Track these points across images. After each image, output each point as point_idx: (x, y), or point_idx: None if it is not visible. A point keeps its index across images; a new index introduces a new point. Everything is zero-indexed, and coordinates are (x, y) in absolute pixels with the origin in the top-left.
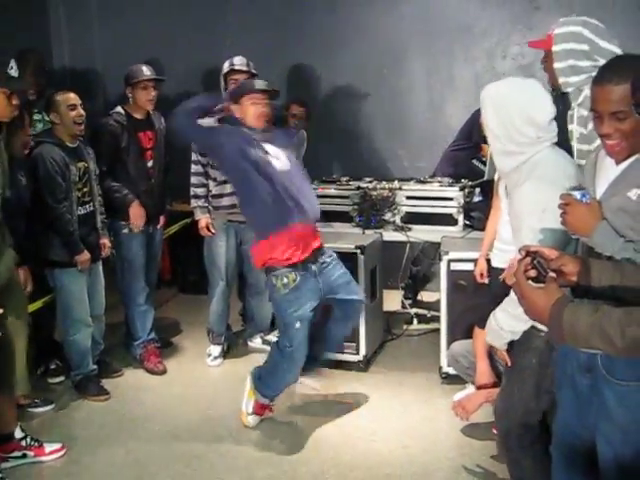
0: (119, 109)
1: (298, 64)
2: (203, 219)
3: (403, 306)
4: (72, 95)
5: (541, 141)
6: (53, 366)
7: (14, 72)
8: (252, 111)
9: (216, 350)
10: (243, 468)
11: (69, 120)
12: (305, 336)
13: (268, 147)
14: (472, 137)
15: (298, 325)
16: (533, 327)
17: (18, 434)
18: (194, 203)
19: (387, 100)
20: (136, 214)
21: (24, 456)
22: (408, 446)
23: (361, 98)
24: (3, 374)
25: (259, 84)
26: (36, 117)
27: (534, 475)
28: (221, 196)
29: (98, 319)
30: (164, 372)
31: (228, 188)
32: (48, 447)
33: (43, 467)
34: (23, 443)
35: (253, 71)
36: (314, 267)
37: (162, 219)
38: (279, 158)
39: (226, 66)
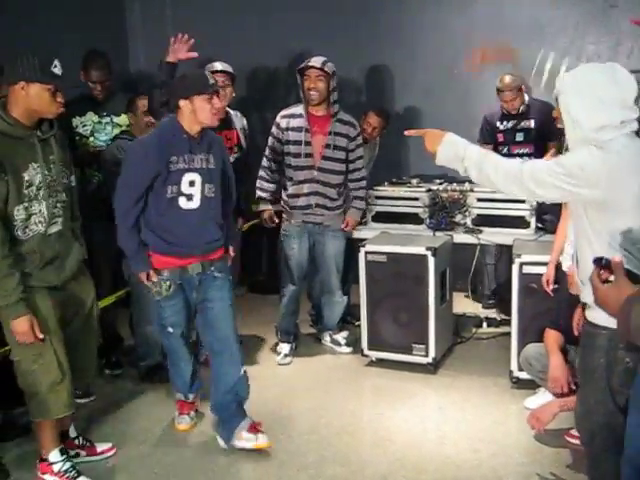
0: None
1: (371, 65)
2: (267, 210)
3: (484, 306)
4: (143, 101)
5: (624, 125)
6: (114, 359)
7: (58, 70)
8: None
9: (286, 348)
10: (312, 465)
11: (143, 123)
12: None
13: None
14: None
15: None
16: (595, 325)
17: (72, 433)
18: (259, 193)
19: (458, 101)
20: None
21: (77, 455)
22: (478, 450)
23: (431, 98)
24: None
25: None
26: (104, 120)
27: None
28: (297, 196)
29: None
30: None
31: (305, 188)
32: (99, 447)
33: (96, 465)
34: (76, 442)
35: (326, 69)
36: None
37: (240, 220)
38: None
39: (305, 61)
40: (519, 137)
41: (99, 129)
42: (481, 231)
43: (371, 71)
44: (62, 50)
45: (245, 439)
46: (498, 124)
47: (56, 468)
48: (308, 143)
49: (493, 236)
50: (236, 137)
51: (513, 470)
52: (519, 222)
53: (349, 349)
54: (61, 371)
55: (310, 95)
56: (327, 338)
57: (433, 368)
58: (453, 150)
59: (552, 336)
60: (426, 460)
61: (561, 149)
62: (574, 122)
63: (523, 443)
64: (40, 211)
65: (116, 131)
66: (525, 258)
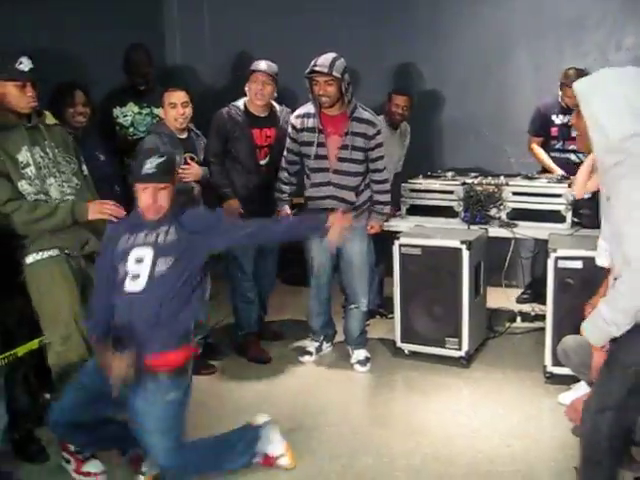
0: (239, 102)
1: (404, 60)
2: (282, 211)
3: (518, 301)
4: (175, 94)
5: None
6: None
7: (24, 67)
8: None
9: (310, 345)
10: (344, 455)
11: (170, 117)
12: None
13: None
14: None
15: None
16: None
17: None
18: (276, 194)
19: (494, 95)
20: (228, 210)
21: (68, 462)
22: (511, 445)
23: (467, 93)
24: None
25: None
26: (144, 111)
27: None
28: (315, 199)
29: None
30: (269, 360)
31: (320, 191)
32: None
33: None
34: (72, 447)
35: (335, 74)
36: None
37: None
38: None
39: (310, 66)
40: (575, 132)
41: (139, 120)
42: (516, 225)
43: (401, 66)
44: (103, 44)
45: None
46: (554, 117)
47: (72, 447)
48: (322, 144)
49: (528, 230)
50: (274, 137)
51: (547, 465)
52: (555, 216)
53: (364, 369)
54: (89, 351)
55: (321, 100)
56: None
57: (466, 362)
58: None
59: None
60: (458, 454)
61: None
62: (600, 129)
63: (557, 438)
64: (48, 189)
65: (155, 122)
66: (561, 253)
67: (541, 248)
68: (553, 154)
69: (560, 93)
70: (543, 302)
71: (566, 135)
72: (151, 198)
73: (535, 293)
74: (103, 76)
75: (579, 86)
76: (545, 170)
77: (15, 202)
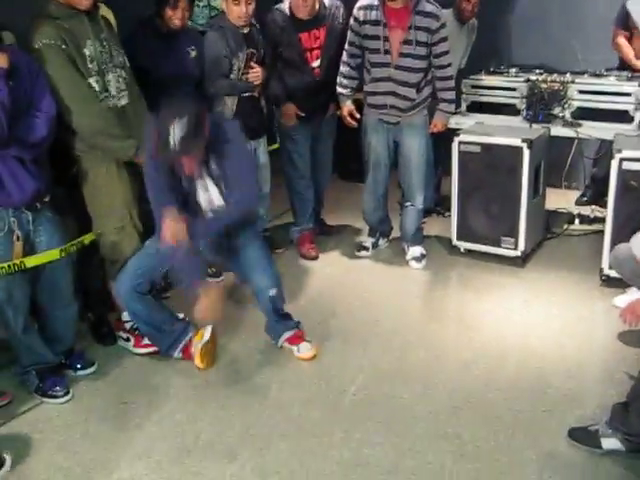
0: (285, 5)
1: None
2: (345, 107)
3: (578, 203)
4: None
5: None
6: None
7: None
8: None
9: (367, 241)
10: (397, 349)
11: (233, 13)
12: None
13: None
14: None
15: None
16: None
17: (125, 317)
18: (338, 89)
19: None
20: (286, 114)
21: (128, 340)
22: (562, 344)
23: None
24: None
25: None
26: (202, 2)
27: None
28: (374, 94)
29: (263, 196)
30: (315, 258)
31: (380, 87)
32: (145, 340)
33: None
34: (126, 326)
35: None
36: None
37: (332, 107)
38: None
39: None
40: None
41: (197, 12)
42: (580, 125)
43: None
44: None
45: (287, 349)
46: None
47: (127, 325)
48: (385, 38)
49: (593, 130)
50: (324, 36)
51: (597, 367)
52: (622, 116)
53: (419, 265)
54: (141, 240)
55: None
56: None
57: (521, 261)
58: None
59: None
60: (509, 350)
61: None
62: None
63: (608, 341)
64: (109, 83)
65: (213, 14)
66: (626, 154)
67: (606, 149)
68: None
69: None
70: (602, 205)
71: None
72: (186, 165)
73: (595, 195)
74: None
75: None
76: (620, 67)
77: (96, 105)
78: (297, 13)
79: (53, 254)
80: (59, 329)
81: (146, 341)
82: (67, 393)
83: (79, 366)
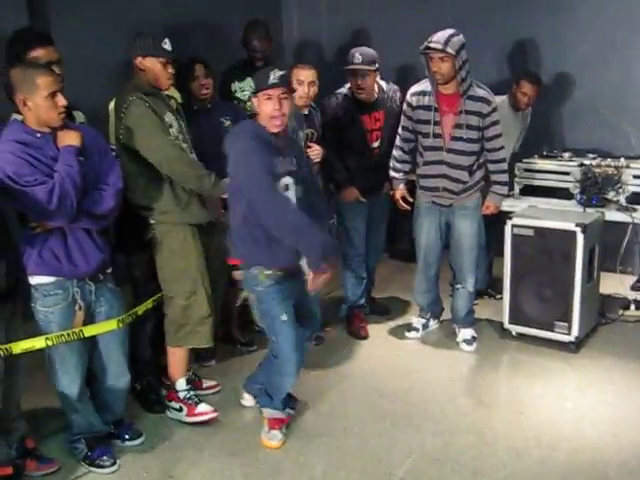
0: (345, 90)
1: (526, 38)
2: (398, 191)
3: (633, 288)
4: (304, 72)
5: None
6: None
7: (168, 46)
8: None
9: (417, 322)
10: (446, 432)
11: (296, 93)
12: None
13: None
14: None
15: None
16: None
17: (181, 386)
18: (391, 173)
19: (616, 72)
20: (348, 196)
21: (180, 409)
22: (618, 434)
23: (588, 70)
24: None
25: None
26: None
27: None
28: (426, 177)
29: None
30: (365, 337)
31: (433, 170)
32: (205, 383)
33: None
34: (181, 395)
35: (450, 50)
36: None
37: (386, 185)
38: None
39: (426, 42)
40: None
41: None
42: (635, 209)
43: (520, 42)
44: (222, 21)
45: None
46: None
47: (181, 395)
48: (437, 123)
49: None
50: (383, 118)
51: None
52: None
53: (470, 348)
54: (210, 307)
55: (435, 77)
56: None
57: (575, 347)
58: None
59: None
60: (562, 439)
61: None
62: None
63: None
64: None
65: None
66: None
67: None
68: None
69: None
70: None
71: None
72: (277, 104)
73: None
74: (223, 53)
75: None
76: None
77: (178, 147)
78: (357, 95)
79: (111, 324)
80: (110, 399)
81: (199, 409)
82: (114, 463)
83: (127, 436)
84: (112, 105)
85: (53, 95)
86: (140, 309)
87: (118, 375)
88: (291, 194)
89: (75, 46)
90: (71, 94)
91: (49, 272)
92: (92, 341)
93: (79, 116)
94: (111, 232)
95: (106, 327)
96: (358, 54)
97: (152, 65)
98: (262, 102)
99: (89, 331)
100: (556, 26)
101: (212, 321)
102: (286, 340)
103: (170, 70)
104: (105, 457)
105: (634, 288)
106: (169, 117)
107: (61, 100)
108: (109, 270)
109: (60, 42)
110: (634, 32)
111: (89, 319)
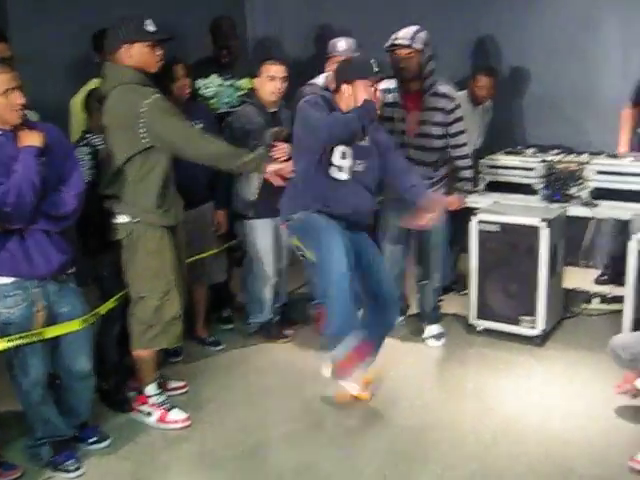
0: (320, 81)
1: (486, 35)
2: None
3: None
4: (276, 67)
5: None
6: (226, 314)
7: (151, 27)
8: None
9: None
10: (416, 428)
11: (266, 89)
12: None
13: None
14: None
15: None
16: None
17: (151, 391)
18: None
19: (577, 69)
20: None
21: (150, 414)
22: (585, 427)
23: (550, 66)
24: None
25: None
26: (227, 82)
27: None
28: None
29: (281, 273)
30: None
31: None
32: (173, 415)
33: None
34: (152, 400)
35: (416, 46)
36: None
37: None
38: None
39: (391, 39)
40: None
41: (221, 92)
42: (597, 205)
43: (482, 40)
44: (184, 19)
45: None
46: None
47: (152, 400)
48: (402, 120)
49: (610, 210)
50: None
51: (625, 450)
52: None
53: (437, 344)
54: (181, 307)
55: (402, 73)
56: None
57: (540, 341)
58: None
59: None
60: (530, 433)
61: None
62: None
63: (634, 423)
64: None
65: (238, 94)
66: None
67: (622, 228)
68: None
69: None
70: (621, 283)
71: None
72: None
73: (614, 274)
74: (188, 50)
75: None
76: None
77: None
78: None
79: (73, 325)
80: (75, 401)
81: (172, 417)
82: (78, 468)
83: (93, 440)
84: (78, 99)
85: (10, 92)
86: (102, 309)
87: (83, 377)
88: (346, 163)
89: (29, 43)
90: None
91: (8, 273)
92: (54, 342)
93: (31, 115)
94: (74, 232)
95: (68, 328)
96: (344, 42)
97: (139, 51)
98: (359, 88)
99: (50, 332)
100: (516, 23)
101: (182, 321)
102: (329, 238)
103: (158, 52)
104: (70, 462)
105: (598, 282)
106: None
107: (18, 97)
108: (71, 270)
109: (15, 40)
110: (594, 29)
111: (51, 320)
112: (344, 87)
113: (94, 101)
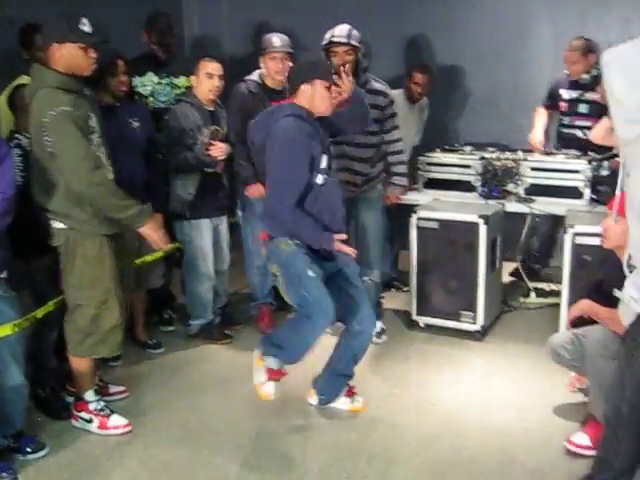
0: (255, 76)
1: (419, 34)
2: None
3: (521, 278)
4: (213, 64)
5: None
6: (166, 316)
7: (87, 28)
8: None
9: None
10: (359, 425)
11: (204, 87)
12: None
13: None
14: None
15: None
16: None
17: (90, 397)
18: None
19: (511, 69)
20: (253, 192)
21: (90, 421)
22: (525, 418)
23: (485, 65)
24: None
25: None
26: (164, 80)
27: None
28: None
29: (221, 274)
30: None
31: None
32: (112, 388)
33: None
34: (92, 407)
35: (354, 43)
36: None
37: None
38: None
39: (327, 37)
40: (582, 109)
41: (159, 90)
42: (533, 200)
43: (416, 40)
44: (122, 13)
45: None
46: (562, 92)
47: (92, 407)
48: None
49: (546, 206)
50: None
51: (562, 437)
52: (573, 192)
53: (379, 341)
54: (121, 315)
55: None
56: None
57: (481, 335)
58: None
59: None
60: (471, 426)
61: None
62: (617, 103)
63: (570, 414)
64: (101, 158)
65: (175, 92)
66: (578, 229)
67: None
68: (561, 129)
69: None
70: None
71: (573, 111)
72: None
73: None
74: (122, 46)
75: (603, 57)
76: (564, 146)
77: (101, 174)
78: (275, 77)
79: (4, 330)
80: (9, 410)
81: (112, 422)
82: None
83: (29, 450)
84: (4, 97)
85: None
86: (39, 312)
87: (14, 385)
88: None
89: None
90: None
91: None
92: None
93: None
94: (5, 236)
95: None
96: (277, 38)
97: (70, 52)
98: (317, 88)
99: None
100: (449, 21)
101: (122, 329)
102: (316, 290)
103: (92, 55)
104: (5, 474)
105: (512, 274)
106: (93, 121)
107: None
108: (3, 275)
109: None
110: (526, 28)
111: None
112: (304, 87)
113: (19, 99)
